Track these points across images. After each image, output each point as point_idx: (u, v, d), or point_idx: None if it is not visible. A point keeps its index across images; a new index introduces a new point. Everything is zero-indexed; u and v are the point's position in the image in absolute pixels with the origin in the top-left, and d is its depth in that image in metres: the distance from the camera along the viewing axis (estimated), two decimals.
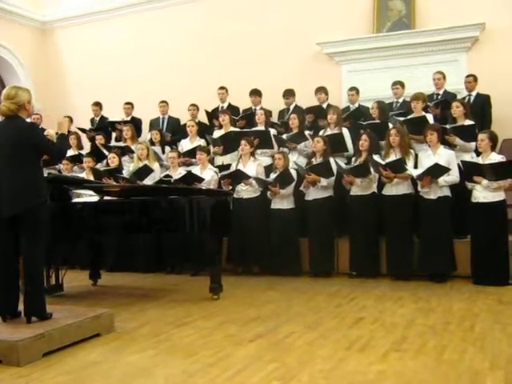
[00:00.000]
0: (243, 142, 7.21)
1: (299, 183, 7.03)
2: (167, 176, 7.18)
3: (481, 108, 7.30)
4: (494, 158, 6.12)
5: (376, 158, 6.63)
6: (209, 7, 10.00)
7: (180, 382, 3.39)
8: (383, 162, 6.52)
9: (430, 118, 6.95)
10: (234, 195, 7.00)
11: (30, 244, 4.22)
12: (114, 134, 9.18)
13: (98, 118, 9.64)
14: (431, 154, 6.41)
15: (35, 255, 4.24)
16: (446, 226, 6.34)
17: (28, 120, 4.57)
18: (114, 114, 9.39)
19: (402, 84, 7.79)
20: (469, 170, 6.19)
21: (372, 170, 6.56)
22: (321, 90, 8.15)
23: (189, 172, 7.13)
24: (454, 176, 6.29)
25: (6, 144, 4.22)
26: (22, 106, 4.29)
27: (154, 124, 9.15)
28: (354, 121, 7.56)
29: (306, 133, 7.50)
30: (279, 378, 3.38)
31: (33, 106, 4.46)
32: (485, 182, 6.05)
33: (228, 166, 7.55)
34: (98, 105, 9.67)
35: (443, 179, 6.24)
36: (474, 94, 7.50)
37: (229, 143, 7.63)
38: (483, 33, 8.20)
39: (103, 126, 9.26)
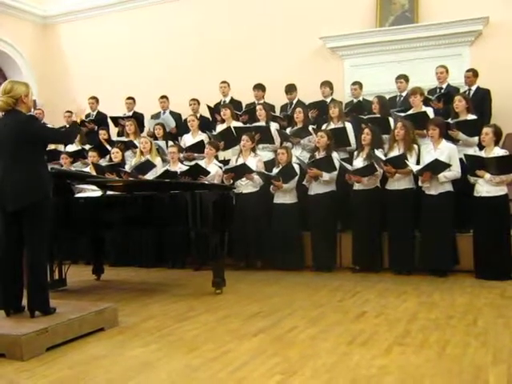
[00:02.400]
0: (245, 137, 7.21)
1: (302, 178, 7.03)
2: (167, 171, 7.17)
3: (480, 102, 7.26)
4: (498, 152, 6.11)
5: (378, 153, 6.61)
6: (211, 1, 9.98)
7: (183, 377, 3.40)
8: (384, 158, 6.50)
9: (430, 112, 6.93)
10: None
11: (33, 238, 4.23)
12: (116, 129, 9.18)
13: (94, 113, 9.62)
14: (432, 149, 6.39)
15: (38, 250, 4.24)
16: (447, 222, 6.32)
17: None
18: (116, 108, 9.38)
19: (406, 78, 7.77)
20: (472, 164, 6.18)
21: (377, 166, 6.56)
22: (325, 84, 8.14)
23: (196, 164, 7.14)
24: (454, 172, 6.26)
25: (7, 139, 4.21)
26: (19, 99, 4.26)
27: (154, 119, 9.12)
28: (355, 115, 7.54)
29: (310, 127, 7.50)
30: (282, 372, 3.38)
31: (31, 100, 4.41)
32: (487, 175, 6.04)
33: (228, 161, 7.56)
34: (94, 98, 9.65)
35: (443, 175, 6.22)
36: (473, 88, 7.46)
37: (228, 138, 7.63)
38: (487, 27, 8.17)
39: (101, 119, 9.26)
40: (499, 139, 6.26)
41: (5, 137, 4.22)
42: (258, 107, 7.86)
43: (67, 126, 8.87)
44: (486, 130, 6.17)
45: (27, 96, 4.31)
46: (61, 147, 8.83)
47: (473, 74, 7.44)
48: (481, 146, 6.42)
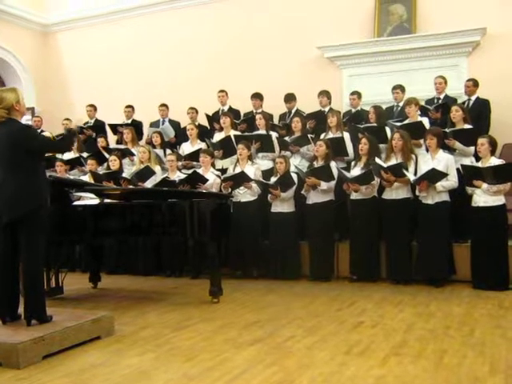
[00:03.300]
0: (240, 145, 7.21)
1: (300, 187, 7.03)
2: (165, 179, 7.16)
3: (479, 113, 7.28)
4: (494, 162, 6.12)
5: (378, 161, 6.61)
6: (209, 12, 10.01)
7: None
8: (385, 165, 6.51)
9: (426, 122, 6.96)
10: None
11: (29, 247, 4.23)
12: (115, 137, 9.19)
13: (92, 121, 9.62)
14: (430, 159, 6.41)
15: (34, 258, 4.23)
16: (444, 231, 6.33)
17: (23, 119, 4.54)
18: (115, 116, 9.39)
19: (402, 88, 7.79)
20: (469, 174, 6.19)
21: (374, 175, 6.57)
22: (323, 93, 8.14)
23: (194, 171, 7.15)
24: (452, 181, 6.27)
25: (4, 149, 4.21)
26: (12, 108, 4.24)
27: (153, 127, 9.13)
28: (352, 124, 7.55)
29: (309, 136, 7.52)
30: (279, 382, 3.38)
31: (24, 104, 4.39)
32: (484, 185, 6.05)
33: (226, 170, 7.57)
34: (92, 106, 9.66)
35: (441, 184, 6.23)
36: (473, 98, 7.48)
37: (228, 147, 7.64)
38: (484, 37, 8.21)
39: (98, 127, 9.27)
40: (495, 149, 6.27)
41: (1, 147, 4.22)
42: (257, 116, 7.87)
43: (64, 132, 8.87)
44: (481, 140, 6.18)
45: (19, 102, 4.28)
46: (57, 154, 8.82)
47: (473, 83, 7.46)
48: (477, 157, 6.43)
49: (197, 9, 10.12)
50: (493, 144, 6.17)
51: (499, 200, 6.10)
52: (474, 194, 6.18)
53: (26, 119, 9.38)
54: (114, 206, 6.21)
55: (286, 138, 7.60)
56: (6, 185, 4.19)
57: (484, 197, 6.10)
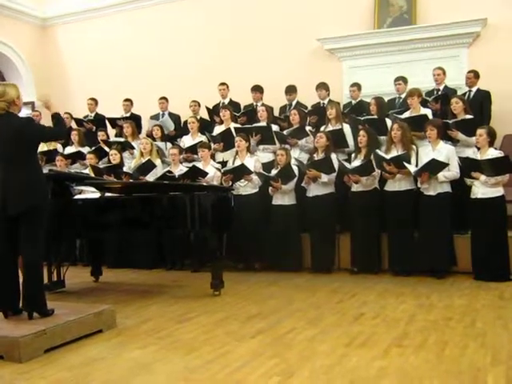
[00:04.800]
0: (238, 138, 7.20)
1: (301, 179, 7.02)
2: (165, 173, 7.15)
3: (480, 104, 7.26)
4: (492, 153, 6.10)
5: (380, 153, 6.58)
6: (210, 3, 9.99)
7: (181, 378, 3.40)
8: (388, 157, 6.49)
9: (430, 114, 6.93)
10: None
11: (29, 241, 4.23)
12: (114, 131, 9.18)
13: (92, 114, 9.61)
14: (431, 150, 6.39)
15: (34, 252, 4.24)
16: (445, 222, 6.32)
17: (23, 112, 4.56)
18: (115, 110, 9.37)
19: (404, 80, 7.76)
20: (467, 166, 6.18)
21: (375, 166, 6.55)
22: (321, 86, 8.11)
23: (193, 166, 7.14)
24: (453, 172, 6.26)
25: (6, 142, 4.22)
26: (12, 102, 4.28)
27: (154, 119, 9.10)
28: (353, 116, 7.52)
29: (307, 128, 7.50)
30: (280, 374, 3.38)
31: (22, 101, 4.45)
32: (483, 177, 6.04)
33: (226, 163, 7.56)
34: (94, 100, 9.64)
35: (443, 175, 6.22)
36: (474, 89, 7.46)
37: (228, 140, 7.62)
38: (485, 28, 8.18)
39: (99, 120, 9.25)
40: (493, 140, 6.24)
41: (3, 140, 4.22)
42: (260, 108, 7.87)
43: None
44: (479, 131, 6.17)
45: (18, 98, 4.34)
46: (59, 148, 8.81)
47: (474, 75, 7.44)
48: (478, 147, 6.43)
49: (196, 1, 10.08)
50: (491, 135, 6.15)
51: (498, 191, 6.09)
52: (473, 185, 6.18)
53: (25, 113, 9.38)
54: (115, 200, 6.20)
55: (285, 132, 7.59)
56: (10, 178, 4.20)
57: (483, 188, 6.09)
